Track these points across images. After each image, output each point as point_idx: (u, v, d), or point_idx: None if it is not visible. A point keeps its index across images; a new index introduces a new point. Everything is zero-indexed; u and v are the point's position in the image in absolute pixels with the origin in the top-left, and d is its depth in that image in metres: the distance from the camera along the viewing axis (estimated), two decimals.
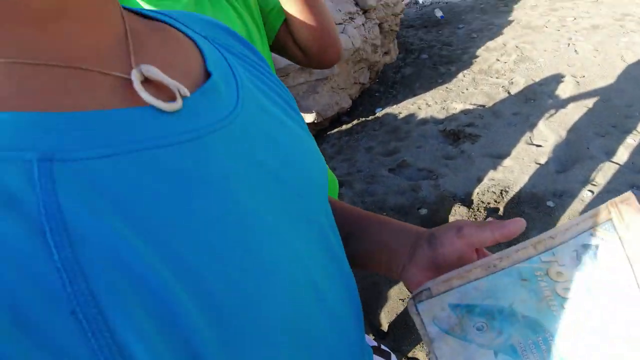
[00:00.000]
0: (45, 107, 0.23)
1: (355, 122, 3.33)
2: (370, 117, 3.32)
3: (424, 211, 2.12)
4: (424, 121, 3.01)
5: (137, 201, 0.24)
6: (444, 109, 3.08)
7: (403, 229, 0.49)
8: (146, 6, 0.72)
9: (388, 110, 3.34)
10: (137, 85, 0.26)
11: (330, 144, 3.11)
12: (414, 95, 3.42)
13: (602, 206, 0.35)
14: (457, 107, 3.06)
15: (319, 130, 3.38)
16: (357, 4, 3.83)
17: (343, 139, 3.13)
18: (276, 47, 0.95)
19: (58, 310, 0.20)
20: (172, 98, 0.28)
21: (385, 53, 4.38)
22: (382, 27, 4.17)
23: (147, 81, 0.28)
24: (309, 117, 3.33)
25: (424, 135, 2.83)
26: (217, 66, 0.35)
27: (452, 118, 2.95)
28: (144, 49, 0.31)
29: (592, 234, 0.35)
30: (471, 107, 3.02)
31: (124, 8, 0.33)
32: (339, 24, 3.53)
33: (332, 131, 3.29)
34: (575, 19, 4.11)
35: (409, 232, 0.47)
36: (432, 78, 3.61)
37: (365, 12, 3.89)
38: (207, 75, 0.34)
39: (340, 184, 2.55)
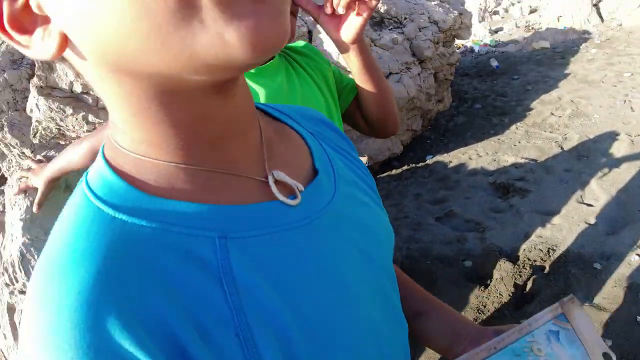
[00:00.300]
0: (218, 200, 0.38)
1: (405, 167, 3.43)
2: (421, 164, 3.41)
3: (468, 263, 2.17)
4: (474, 172, 3.07)
5: (275, 267, 0.37)
6: (495, 160, 3.14)
7: (466, 321, 0.61)
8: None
9: (439, 158, 3.43)
10: (273, 188, 0.40)
11: (379, 188, 3.21)
12: (466, 144, 3.50)
13: (555, 304, 0.51)
14: (509, 159, 3.10)
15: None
16: (413, 55, 3.98)
17: (392, 184, 3.24)
18: (344, 116, 1.12)
19: (227, 332, 0.33)
20: (292, 192, 0.42)
21: (439, 101, 4.49)
22: (437, 76, 4.29)
23: (276, 181, 0.42)
24: (362, 161, 3.48)
25: (473, 186, 2.89)
26: (321, 162, 0.49)
27: (502, 170, 3.00)
28: (274, 155, 0.45)
29: (553, 323, 0.50)
30: (523, 160, 3.05)
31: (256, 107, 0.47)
32: (396, 73, 3.69)
33: (382, 175, 3.41)
34: (632, 74, 4.07)
35: (472, 325, 0.60)
36: (485, 128, 3.68)
37: (421, 62, 4.04)
38: (314, 169, 0.47)
39: None
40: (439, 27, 4.21)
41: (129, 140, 0.36)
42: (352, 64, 0.98)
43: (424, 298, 0.67)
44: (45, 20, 0.30)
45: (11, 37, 0.31)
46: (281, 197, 0.40)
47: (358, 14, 0.85)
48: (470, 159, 3.26)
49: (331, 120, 0.98)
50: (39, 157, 1.42)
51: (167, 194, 0.36)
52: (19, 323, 1.49)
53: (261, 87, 0.94)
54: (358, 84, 1.01)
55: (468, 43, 6.24)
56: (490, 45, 6.24)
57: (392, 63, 3.70)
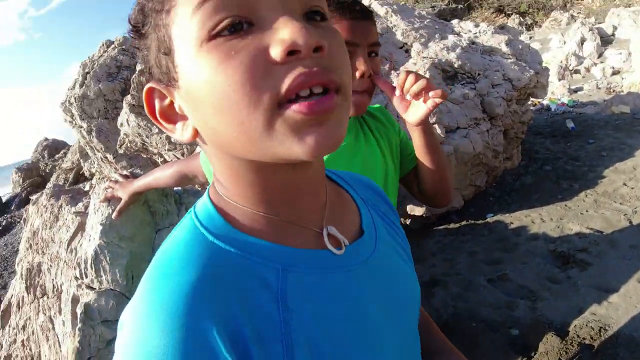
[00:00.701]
0: (285, 242, 0.52)
1: (464, 223, 3.45)
2: (480, 221, 3.42)
3: (515, 332, 2.17)
4: (535, 236, 3.04)
5: (318, 296, 0.51)
6: (558, 227, 3.08)
7: None
8: None
9: (500, 217, 3.42)
10: (326, 240, 0.54)
11: (434, 240, 3.27)
12: (530, 207, 3.46)
13: None
14: (573, 228, 3.04)
15: (425, 224, 3.55)
16: (484, 111, 4.01)
17: (448, 238, 3.27)
18: (402, 180, 1.25)
19: (275, 338, 0.46)
20: (339, 244, 0.56)
21: (507, 158, 4.44)
22: (508, 133, 4.27)
23: (329, 234, 0.56)
24: (419, 211, 3.53)
25: (532, 252, 2.86)
26: (367, 224, 0.63)
27: (565, 239, 2.94)
28: (332, 213, 0.58)
29: None
30: (587, 231, 2.98)
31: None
32: (464, 128, 3.74)
33: (439, 227, 3.45)
34: None
35: None
36: (552, 192, 3.62)
37: (491, 118, 4.05)
38: (361, 230, 0.61)
39: (435, 283, 2.68)
40: (513, 85, 4.23)
41: (228, 191, 0.52)
42: (415, 141, 1.09)
43: (442, 342, 0.77)
44: (184, 117, 0.48)
45: (161, 125, 0.49)
46: (330, 247, 0.54)
47: (424, 102, 0.97)
48: (532, 222, 3.22)
49: (387, 183, 1.12)
50: (125, 172, 1.65)
51: (250, 232, 0.50)
52: (80, 314, 1.67)
53: None
54: (418, 157, 1.13)
55: (545, 101, 6.14)
56: (567, 104, 6.09)
57: (461, 117, 3.76)
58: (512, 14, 13.00)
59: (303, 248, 0.52)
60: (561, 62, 8.96)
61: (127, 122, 3.19)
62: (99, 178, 7.56)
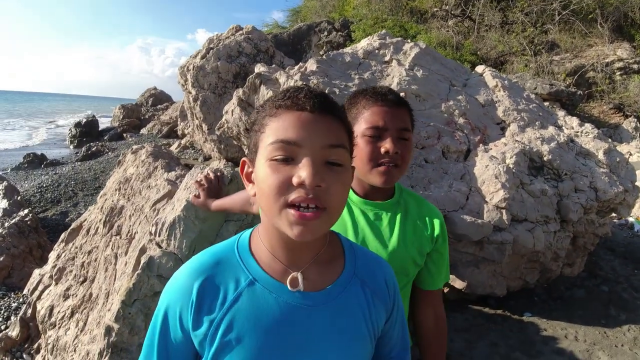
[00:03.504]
0: (269, 271, 0.87)
1: (499, 311, 3.46)
2: (516, 316, 3.41)
3: None
4: (561, 352, 3.00)
5: (260, 308, 0.80)
6: (588, 351, 3.02)
7: None
8: None
9: (536, 320, 3.39)
10: (289, 278, 0.83)
11: (463, 317, 3.31)
12: (569, 320, 3.40)
13: None
14: (602, 358, 2.97)
15: (462, 299, 3.59)
16: (558, 212, 3.93)
17: (478, 320, 3.30)
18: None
19: (219, 309, 0.84)
20: (312, 291, 0.87)
21: (568, 264, 4.30)
22: (577, 241, 4.15)
23: (306, 280, 0.84)
24: (459, 284, 3.58)
25: None
26: (333, 289, 0.89)
27: None
28: (312, 268, 0.86)
29: None
30: None
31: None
32: (531, 222, 3.71)
33: (474, 307, 3.48)
34: None
35: None
36: (598, 314, 3.52)
37: (563, 221, 3.96)
38: (332, 290, 0.88)
39: (447, 357, 2.75)
40: (597, 195, 4.12)
41: (260, 234, 0.89)
42: None
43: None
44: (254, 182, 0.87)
45: (244, 179, 0.91)
46: (287, 284, 0.84)
47: None
48: (566, 337, 3.18)
49: (404, 271, 1.24)
50: (212, 173, 1.90)
51: (258, 259, 0.87)
52: (143, 263, 1.92)
53: (366, 214, 1.26)
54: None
55: (630, 218, 5.87)
56: None
57: (532, 211, 3.74)
58: (630, 116, 12.34)
59: (276, 278, 0.85)
60: None
61: (232, 112, 3.54)
62: (189, 142, 8.21)
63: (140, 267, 1.94)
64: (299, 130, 0.77)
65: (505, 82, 4.53)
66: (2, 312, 3.71)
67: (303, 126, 0.77)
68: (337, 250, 0.94)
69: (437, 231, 1.29)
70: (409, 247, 1.25)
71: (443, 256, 1.33)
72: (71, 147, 15.30)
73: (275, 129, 0.79)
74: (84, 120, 15.75)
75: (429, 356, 1.36)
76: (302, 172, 0.75)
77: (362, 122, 1.22)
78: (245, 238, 0.92)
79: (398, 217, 1.27)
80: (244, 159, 0.89)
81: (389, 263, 1.20)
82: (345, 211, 1.24)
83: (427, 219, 1.30)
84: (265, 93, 3.48)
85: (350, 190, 1.25)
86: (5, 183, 6.75)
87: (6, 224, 4.75)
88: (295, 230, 0.77)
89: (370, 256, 1.00)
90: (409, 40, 4.38)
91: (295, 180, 0.75)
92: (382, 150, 1.19)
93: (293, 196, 0.75)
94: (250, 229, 0.95)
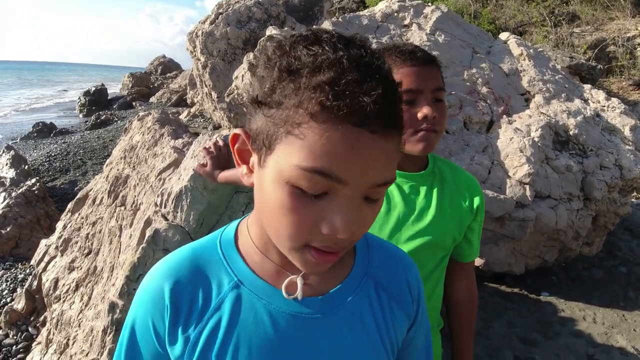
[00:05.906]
0: (258, 273, 0.65)
1: (516, 290, 3.35)
2: (533, 296, 3.30)
3: None
4: (579, 334, 2.90)
5: (249, 315, 0.63)
6: (606, 334, 2.92)
7: None
8: None
9: (554, 300, 3.28)
10: (284, 283, 0.64)
11: (480, 294, 3.17)
12: (588, 302, 3.29)
13: None
14: (620, 341, 2.86)
15: (479, 276, 3.48)
16: (582, 189, 3.77)
17: (494, 298, 3.20)
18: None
19: (198, 318, 0.63)
20: (313, 295, 0.66)
21: (587, 244, 4.17)
22: (598, 220, 4.01)
23: (306, 284, 0.65)
24: (477, 261, 3.47)
25: (569, 348, 2.74)
26: (339, 294, 0.68)
27: (607, 349, 2.77)
28: (315, 276, 0.67)
29: None
30: (632, 350, 2.79)
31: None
32: (554, 199, 3.55)
33: (490, 284, 3.37)
34: None
35: None
36: (616, 297, 3.40)
37: (586, 199, 3.81)
38: (336, 292, 0.67)
39: None
40: (622, 173, 3.94)
41: (251, 232, 0.68)
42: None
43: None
44: (250, 171, 0.62)
45: (234, 155, 0.63)
46: (282, 289, 0.64)
47: None
48: (584, 319, 3.06)
49: (443, 241, 1.11)
50: (221, 141, 1.72)
51: (245, 257, 0.67)
52: (148, 236, 1.82)
53: (401, 188, 1.13)
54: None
55: None
56: None
57: (556, 188, 3.58)
58: None
59: (267, 281, 0.65)
60: None
61: (242, 77, 3.37)
62: (198, 110, 8.06)
63: (145, 240, 1.83)
64: (350, 163, 0.50)
65: (531, 50, 4.28)
66: (9, 283, 3.67)
67: (355, 158, 0.50)
68: None
69: (476, 202, 1.19)
70: (448, 221, 1.14)
71: (480, 226, 1.24)
72: (80, 115, 15.26)
73: (313, 146, 0.50)
74: (93, 89, 15.64)
75: (462, 331, 1.26)
76: (337, 220, 0.53)
77: None
78: (230, 231, 0.70)
79: (435, 189, 1.15)
80: (237, 131, 0.62)
81: (428, 239, 1.09)
82: None
83: (465, 189, 1.19)
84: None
85: None
86: (12, 152, 6.69)
87: (13, 194, 4.69)
88: (310, 267, 0.58)
89: (388, 250, 0.78)
90: (430, 4, 4.13)
91: (325, 230, 0.53)
92: (420, 115, 1.03)
93: (317, 244, 0.55)
94: (237, 220, 0.73)
